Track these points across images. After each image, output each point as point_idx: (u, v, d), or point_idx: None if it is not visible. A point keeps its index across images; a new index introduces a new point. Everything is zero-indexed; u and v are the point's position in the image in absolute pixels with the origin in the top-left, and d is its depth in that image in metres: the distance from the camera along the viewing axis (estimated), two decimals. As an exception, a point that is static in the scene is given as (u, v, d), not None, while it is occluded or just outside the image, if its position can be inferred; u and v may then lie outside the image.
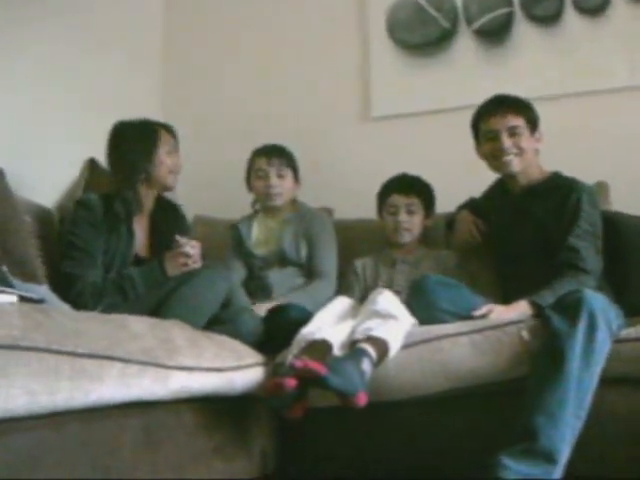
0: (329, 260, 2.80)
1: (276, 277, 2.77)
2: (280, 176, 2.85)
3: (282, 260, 2.81)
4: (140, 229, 2.51)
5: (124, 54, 3.35)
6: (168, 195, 2.64)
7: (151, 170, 2.48)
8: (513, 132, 2.45)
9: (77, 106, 2.99)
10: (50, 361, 1.40)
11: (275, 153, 2.88)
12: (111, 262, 2.40)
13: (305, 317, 2.25)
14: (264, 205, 2.92)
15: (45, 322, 1.48)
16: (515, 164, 2.47)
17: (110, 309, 2.17)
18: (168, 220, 2.57)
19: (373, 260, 2.79)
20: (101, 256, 2.39)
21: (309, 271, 2.80)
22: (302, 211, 2.90)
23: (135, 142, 2.50)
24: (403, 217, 2.72)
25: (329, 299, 2.48)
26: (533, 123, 2.48)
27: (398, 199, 2.74)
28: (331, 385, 1.80)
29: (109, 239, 2.41)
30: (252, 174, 2.91)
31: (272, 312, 2.48)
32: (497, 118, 2.47)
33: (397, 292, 2.44)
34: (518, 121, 2.45)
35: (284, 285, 2.75)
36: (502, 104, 2.49)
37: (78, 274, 2.32)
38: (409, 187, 2.77)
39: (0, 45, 2.62)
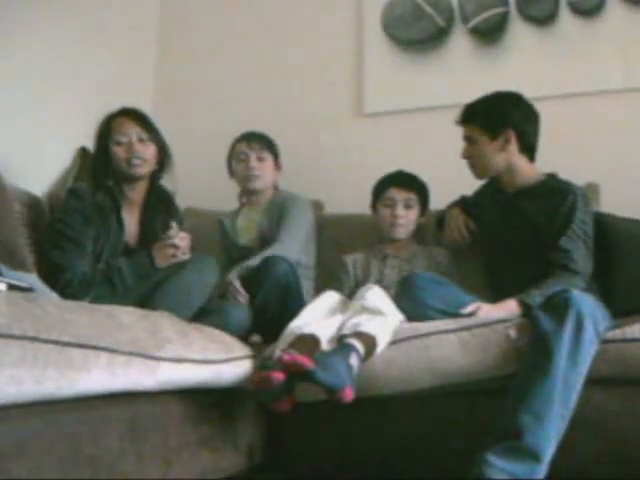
0: (290, 230, 2.80)
1: None
2: (260, 159, 2.90)
3: (263, 246, 2.82)
4: (131, 219, 2.50)
5: (119, 44, 3.34)
6: (166, 184, 2.61)
7: (111, 165, 2.47)
8: (471, 140, 2.52)
9: (70, 95, 2.98)
10: (37, 350, 1.40)
11: (255, 137, 2.94)
12: (101, 252, 2.40)
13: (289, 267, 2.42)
14: (244, 188, 2.95)
15: (33, 311, 1.47)
16: (473, 170, 2.56)
17: (99, 299, 2.17)
18: (160, 210, 2.55)
19: (364, 255, 2.79)
20: (91, 246, 2.38)
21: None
22: (280, 197, 2.94)
23: (95, 141, 2.51)
24: (400, 211, 2.73)
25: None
26: (492, 128, 2.48)
27: (396, 193, 2.75)
28: (318, 379, 1.80)
29: (99, 229, 2.41)
30: (233, 159, 2.96)
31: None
32: (463, 127, 2.54)
33: (387, 287, 2.45)
34: (472, 131, 2.51)
35: None
36: (462, 114, 2.55)
37: (67, 264, 2.32)
38: (408, 182, 2.78)
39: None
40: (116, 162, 2.46)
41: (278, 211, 2.87)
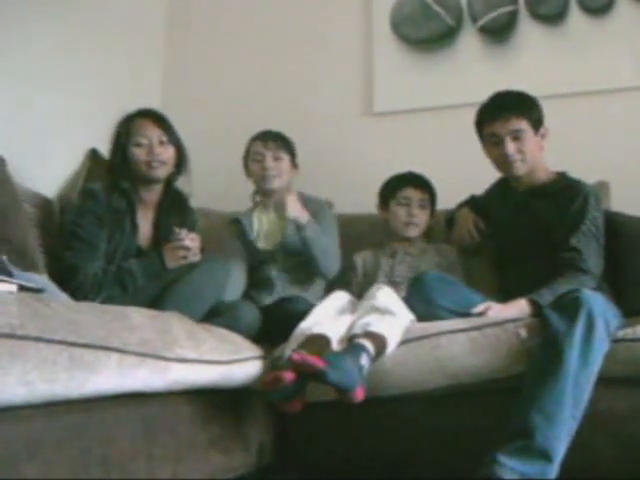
0: (334, 238, 2.79)
1: (280, 269, 2.78)
2: (276, 159, 2.84)
3: (286, 253, 2.80)
4: (145, 221, 2.50)
5: (127, 44, 3.35)
6: (181, 186, 2.61)
7: (128, 166, 2.46)
8: (516, 136, 2.41)
9: (79, 96, 2.99)
10: (48, 351, 1.40)
11: (271, 137, 2.88)
12: (113, 253, 2.40)
13: (308, 309, 2.25)
14: (261, 188, 2.90)
15: (44, 312, 1.48)
16: (519, 168, 2.45)
17: (109, 300, 2.17)
18: (174, 213, 2.55)
19: (373, 252, 2.81)
20: (104, 247, 2.39)
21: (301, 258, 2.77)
22: (302, 201, 2.90)
23: (113, 141, 2.50)
24: (416, 210, 2.75)
25: (334, 256, 2.64)
26: (537, 121, 2.45)
27: (413, 193, 2.76)
28: (329, 379, 1.80)
29: (113, 230, 2.41)
30: (249, 159, 2.91)
31: (277, 302, 2.50)
32: (500, 122, 2.42)
33: (397, 283, 2.45)
34: (521, 124, 2.41)
35: (288, 277, 2.76)
36: (504, 107, 2.44)
37: (79, 266, 2.32)
38: (423, 183, 2.80)
39: (2, 33, 2.62)
40: (135, 164, 2.45)
41: None
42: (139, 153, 2.45)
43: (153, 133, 2.47)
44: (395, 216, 2.77)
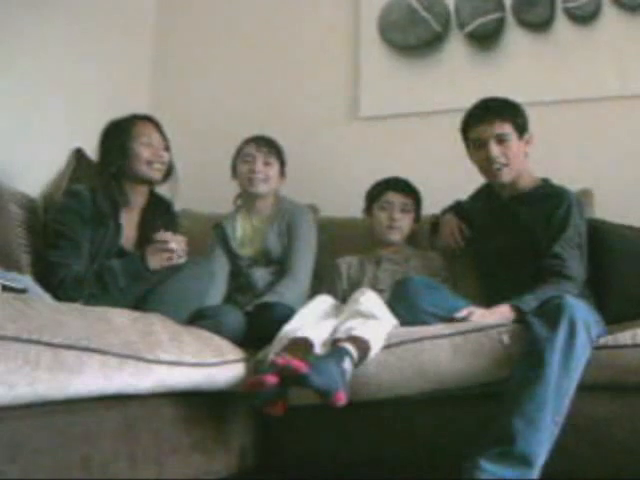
0: (302, 258, 2.78)
1: (261, 275, 2.77)
2: (266, 163, 2.85)
3: (267, 259, 2.80)
4: (129, 223, 2.50)
5: (115, 47, 3.33)
6: (163, 191, 2.63)
7: (125, 163, 2.46)
8: (500, 139, 2.43)
9: (64, 96, 2.98)
10: (30, 351, 1.40)
11: (264, 141, 2.89)
12: (96, 254, 2.39)
13: (290, 315, 2.25)
14: (246, 191, 2.89)
15: (26, 312, 1.48)
16: (505, 173, 2.45)
17: (93, 301, 2.16)
18: (159, 217, 2.56)
19: (358, 258, 2.80)
20: (87, 245, 2.38)
21: (282, 265, 2.78)
22: (284, 206, 2.90)
23: (110, 137, 2.51)
24: (398, 214, 2.75)
25: (297, 298, 2.54)
26: (521, 126, 2.46)
27: (395, 197, 2.77)
28: (312, 383, 1.80)
29: (96, 231, 2.40)
30: (239, 159, 2.90)
31: (257, 309, 2.49)
32: (484, 126, 2.44)
33: (381, 290, 2.45)
34: (505, 128, 2.43)
35: (269, 282, 2.76)
36: (488, 111, 2.46)
37: (62, 263, 2.32)
38: (406, 187, 2.80)
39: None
40: (135, 161, 2.47)
41: (285, 225, 2.82)
42: (143, 151, 2.48)
43: (157, 136, 2.53)
44: (377, 220, 2.78)
